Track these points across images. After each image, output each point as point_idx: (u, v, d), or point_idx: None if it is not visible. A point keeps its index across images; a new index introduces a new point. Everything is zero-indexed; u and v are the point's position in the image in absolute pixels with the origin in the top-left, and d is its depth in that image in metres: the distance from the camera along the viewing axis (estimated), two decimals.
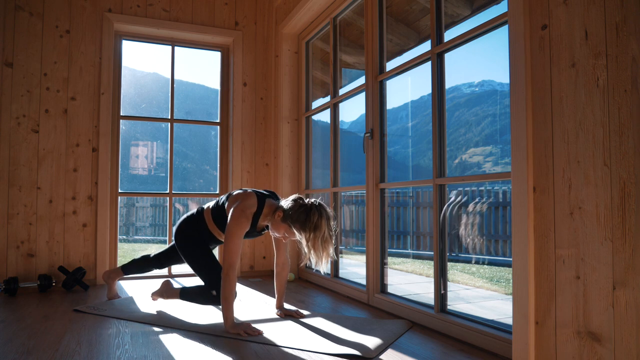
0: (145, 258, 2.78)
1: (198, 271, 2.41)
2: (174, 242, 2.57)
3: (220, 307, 2.26)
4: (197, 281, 3.45)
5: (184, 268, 3.80)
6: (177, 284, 3.45)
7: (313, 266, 2.09)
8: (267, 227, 2.36)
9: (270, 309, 2.60)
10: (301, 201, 2.15)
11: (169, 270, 3.75)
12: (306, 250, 2.06)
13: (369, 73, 2.81)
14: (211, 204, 2.47)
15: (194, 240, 2.45)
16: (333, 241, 2.10)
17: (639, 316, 1.24)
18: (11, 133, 3.27)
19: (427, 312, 2.28)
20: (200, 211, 2.49)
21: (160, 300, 2.66)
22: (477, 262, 5.52)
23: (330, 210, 2.14)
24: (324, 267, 2.08)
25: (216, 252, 4.13)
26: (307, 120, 3.86)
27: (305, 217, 2.07)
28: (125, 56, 3.78)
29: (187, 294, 2.44)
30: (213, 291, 2.31)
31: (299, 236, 2.09)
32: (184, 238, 2.47)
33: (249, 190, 2.27)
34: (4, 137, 3.25)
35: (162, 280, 3.40)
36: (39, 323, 2.29)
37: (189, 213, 2.56)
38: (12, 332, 2.13)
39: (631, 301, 1.26)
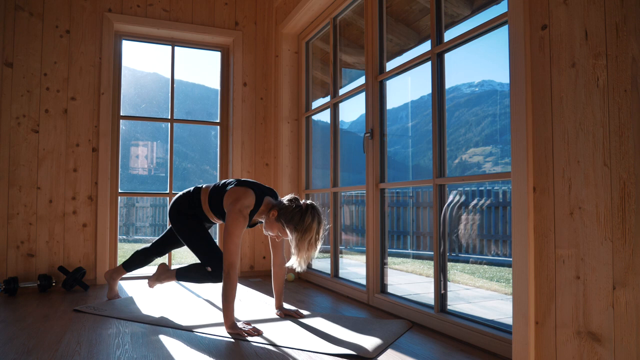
0: (144, 250, 2.79)
1: (193, 249, 2.45)
2: (168, 219, 2.59)
3: (218, 283, 2.29)
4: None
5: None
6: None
7: (290, 264, 2.13)
8: (259, 221, 2.38)
9: (270, 309, 2.60)
10: (296, 202, 2.18)
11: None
12: (292, 249, 2.10)
13: (369, 73, 2.81)
14: (210, 185, 2.48)
15: (189, 218, 2.48)
16: (318, 246, 2.12)
17: (639, 316, 1.24)
18: (11, 133, 3.27)
19: (427, 312, 2.28)
20: (198, 190, 2.49)
21: (157, 286, 2.67)
22: (476, 262, 5.52)
23: (322, 215, 2.17)
24: (300, 268, 2.12)
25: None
26: (307, 120, 3.86)
27: (299, 218, 2.10)
28: (125, 56, 3.78)
29: (183, 274, 2.48)
30: (208, 267, 2.35)
31: (290, 236, 2.11)
32: (178, 215, 2.49)
33: (248, 187, 2.27)
34: (4, 137, 3.25)
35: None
36: (39, 323, 2.29)
37: (184, 191, 2.57)
38: (12, 332, 2.13)
39: (631, 301, 1.26)
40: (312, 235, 2.08)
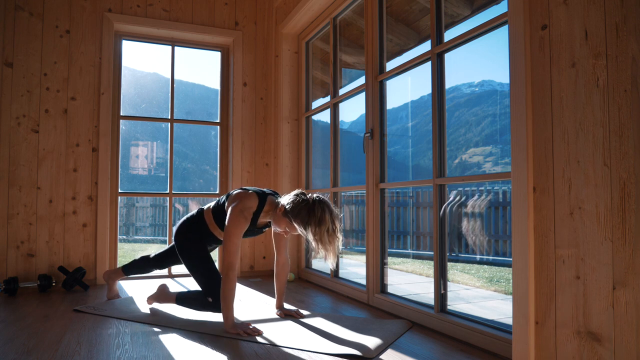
0: (145, 258, 2.78)
1: (195, 276, 2.39)
2: (174, 242, 2.57)
3: (216, 313, 2.26)
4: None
5: (184, 268, 3.80)
6: (176, 285, 3.45)
7: (323, 261, 2.08)
8: (269, 224, 2.35)
9: (270, 309, 2.60)
10: (303, 196, 2.13)
11: (169, 271, 3.75)
12: (314, 245, 2.04)
13: (369, 73, 2.81)
14: (212, 204, 2.47)
15: (194, 244, 2.44)
16: (339, 236, 2.07)
17: (639, 316, 1.24)
18: (11, 133, 3.27)
19: (427, 312, 2.28)
20: (201, 212, 2.48)
21: (155, 304, 2.64)
22: (476, 262, 5.52)
23: (333, 205, 2.13)
24: (332, 262, 2.06)
25: (215, 255, 4.15)
26: (307, 120, 3.86)
27: (307, 211, 2.05)
28: (125, 56, 3.78)
29: (183, 300, 2.43)
30: (209, 298, 2.29)
31: (301, 231, 2.08)
32: (183, 240, 2.46)
33: (249, 190, 2.27)
34: (4, 137, 3.25)
35: (160, 281, 3.39)
36: (39, 323, 2.29)
37: (189, 214, 2.55)
38: (12, 332, 2.13)
39: (631, 301, 1.26)
40: (328, 226, 2.02)
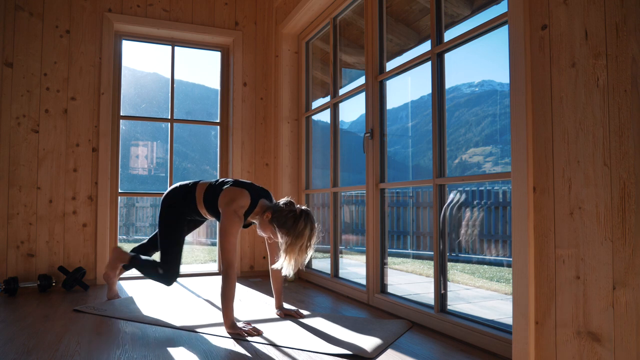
0: (140, 246, 2.80)
1: (161, 245, 2.50)
2: (160, 205, 2.62)
3: (166, 286, 2.46)
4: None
5: (190, 268, 3.79)
6: (176, 286, 3.45)
7: (277, 266, 2.13)
8: (253, 222, 2.40)
9: (270, 309, 2.60)
10: (291, 206, 2.19)
11: None
12: (282, 252, 2.10)
13: (369, 73, 2.81)
14: (208, 182, 2.50)
15: (176, 215, 2.50)
16: (308, 253, 2.13)
17: (639, 316, 1.24)
18: (11, 133, 3.27)
19: (427, 312, 2.28)
20: (194, 185, 2.51)
21: (106, 272, 2.76)
22: (476, 262, 5.52)
23: (315, 223, 2.18)
24: (288, 272, 2.12)
25: (214, 253, 4.14)
26: (307, 120, 3.86)
27: (292, 222, 2.11)
28: (125, 56, 3.78)
29: (135, 262, 2.57)
30: (160, 269, 2.42)
31: (281, 239, 2.13)
32: (168, 206, 2.53)
33: (244, 188, 2.28)
34: (4, 137, 3.25)
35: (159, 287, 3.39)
36: (39, 323, 2.29)
37: (183, 182, 2.59)
38: (12, 332, 2.13)
39: (631, 301, 1.26)
40: (304, 241, 2.10)
